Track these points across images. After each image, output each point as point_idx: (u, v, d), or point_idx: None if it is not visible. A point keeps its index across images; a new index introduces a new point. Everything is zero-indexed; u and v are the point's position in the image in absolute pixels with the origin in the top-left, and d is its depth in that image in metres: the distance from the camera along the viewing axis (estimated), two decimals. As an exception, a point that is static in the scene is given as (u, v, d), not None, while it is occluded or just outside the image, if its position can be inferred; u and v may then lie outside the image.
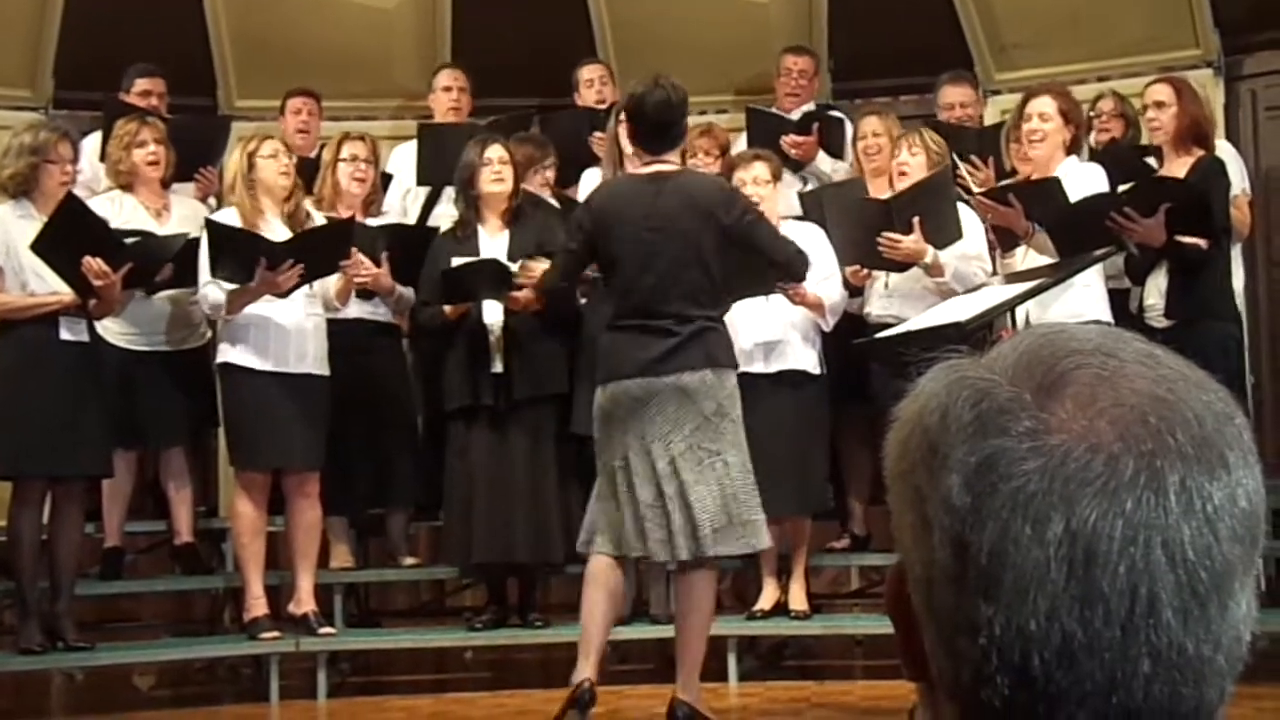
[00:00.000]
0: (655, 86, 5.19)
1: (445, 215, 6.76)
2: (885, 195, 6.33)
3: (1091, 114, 6.80)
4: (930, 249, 6.05)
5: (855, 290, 6.42)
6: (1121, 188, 5.97)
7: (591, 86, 7.46)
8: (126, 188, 6.49)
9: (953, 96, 7.26)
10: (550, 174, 6.74)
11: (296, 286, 6.03)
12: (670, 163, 5.26)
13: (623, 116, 5.36)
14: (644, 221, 5.12)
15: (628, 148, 5.55)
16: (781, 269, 5.51)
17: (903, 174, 6.28)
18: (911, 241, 6.02)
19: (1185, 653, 0.81)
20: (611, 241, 5.20)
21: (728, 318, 6.25)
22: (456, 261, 6.22)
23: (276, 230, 6.13)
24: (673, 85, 5.23)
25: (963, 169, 6.35)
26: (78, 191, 6.20)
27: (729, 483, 5.07)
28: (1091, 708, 0.81)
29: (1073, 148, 6.08)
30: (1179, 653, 0.81)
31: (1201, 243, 5.86)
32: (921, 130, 6.46)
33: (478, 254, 6.27)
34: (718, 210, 5.18)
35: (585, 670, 5.19)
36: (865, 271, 6.34)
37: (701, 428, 5.06)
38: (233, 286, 6.02)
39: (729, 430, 5.10)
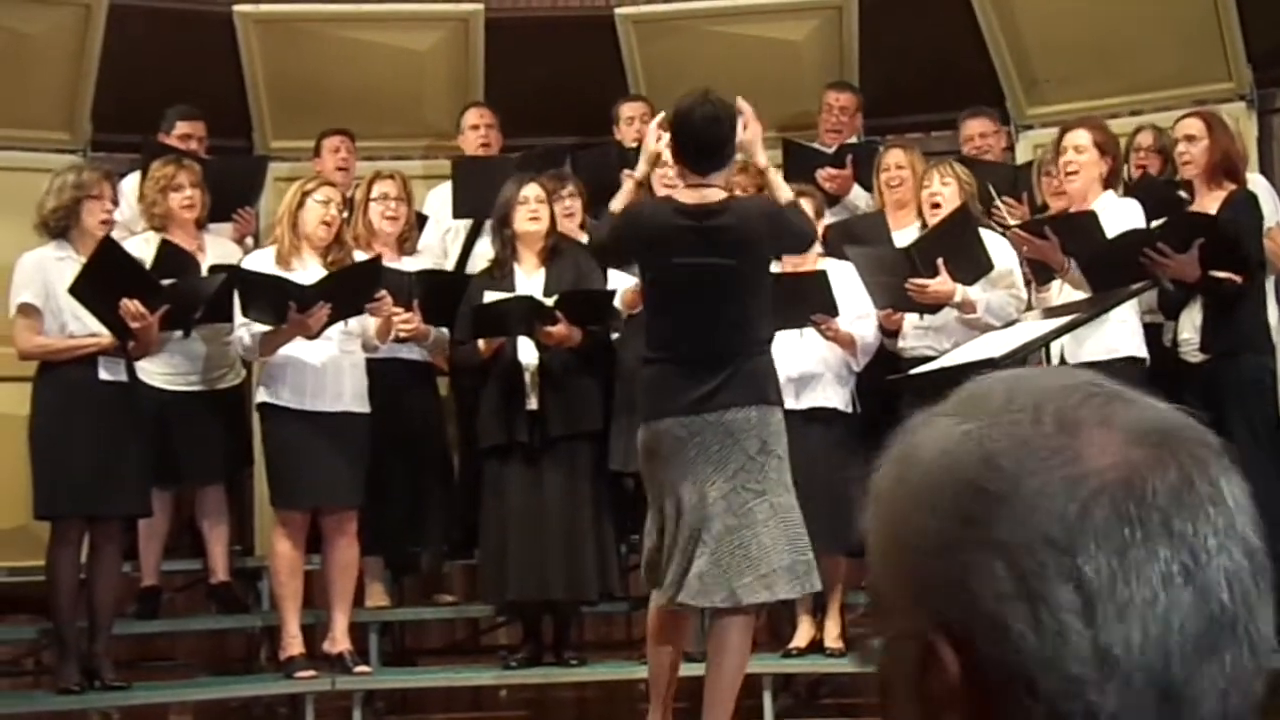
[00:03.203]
0: (704, 101, 5.00)
1: (484, 255, 6.75)
2: (907, 240, 6.33)
3: (1131, 149, 6.80)
4: (959, 288, 6.04)
5: (890, 333, 6.40)
6: (1154, 223, 5.95)
7: (632, 124, 7.45)
8: (161, 229, 6.54)
9: (973, 129, 7.34)
10: (571, 204, 6.71)
11: (326, 326, 6.06)
12: (716, 187, 5.08)
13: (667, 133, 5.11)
14: (689, 254, 4.95)
15: (667, 172, 5.49)
16: (793, 239, 5.36)
17: (935, 205, 6.27)
18: (938, 284, 6.02)
19: (1263, 636, 0.87)
20: (655, 271, 5.08)
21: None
22: (490, 297, 6.24)
23: (311, 271, 6.16)
24: (721, 101, 5.02)
25: (1001, 209, 6.33)
26: (116, 232, 6.26)
27: (774, 525, 4.92)
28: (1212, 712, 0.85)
29: (1110, 181, 6.07)
30: (1261, 638, 0.87)
31: (1236, 277, 5.84)
32: (951, 161, 6.48)
33: (513, 292, 6.28)
34: (765, 240, 5.09)
35: (655, 718, 5.20)
36: (898, 315, 6.33)
37: (746, 468, 4.91)
38: (264, 328, 6.07)
39: (774, 469, 4.95)
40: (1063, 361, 5.92)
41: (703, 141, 5.00)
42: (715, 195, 5.05)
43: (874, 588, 0.92)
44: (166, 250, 6.27)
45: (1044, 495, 0.84)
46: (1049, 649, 0.83)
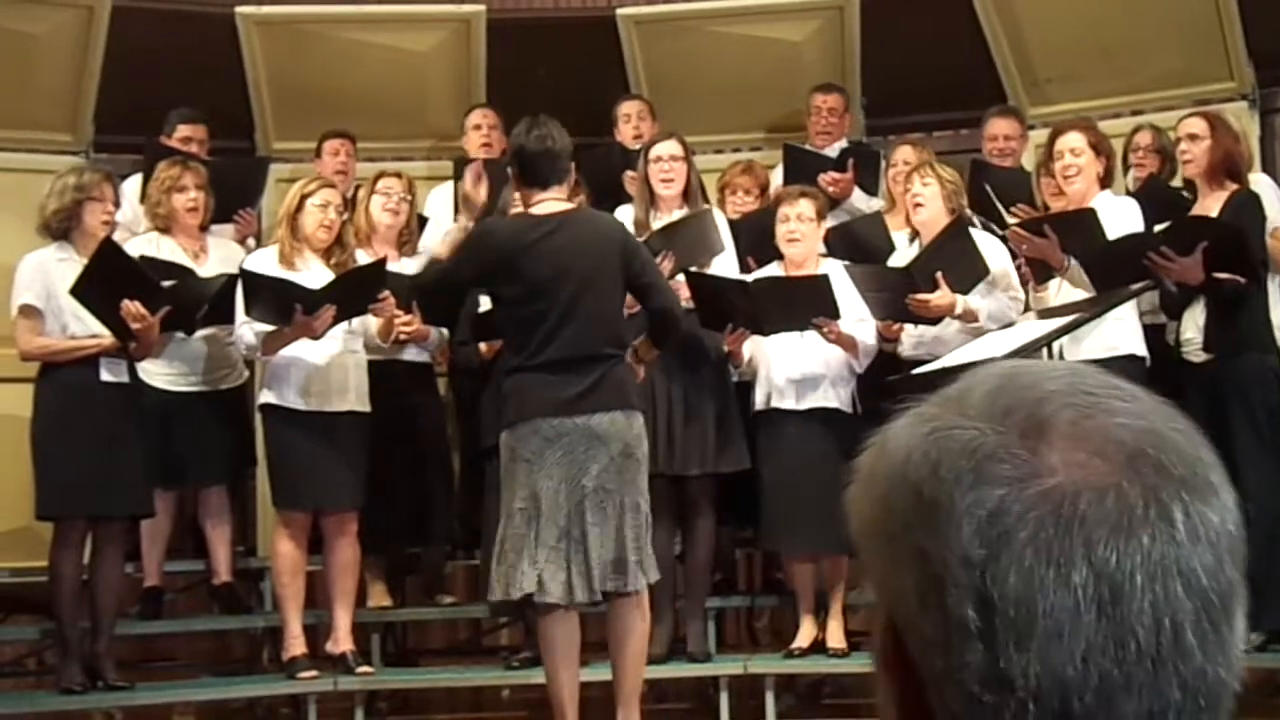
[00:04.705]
0: (531, 125, 5.29)
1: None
2: (908, 238, 6.35)
3: (1129, 149, 6.79)
4: (960, 299, 6.04)
5: (889, 340, 6.38)
6: (1158, 227, 5.94)
7: (629, 122, 7.45)
8: (164, 230, 6.54)
9: (998, 129, 7.25)
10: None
11: (330, 328, 6.06)
12: (561, 199, 5.30)
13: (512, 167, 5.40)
14: (547, 262, 5.13)
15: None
16: (659, 319, 5.48)
17: (917, 205, 6.26)
18: (938, 298, 6.01)
19: (1207, 678, 0.83)
20: (513, 283, 5.20)
21: (760, 351, 6.29)
22: (487, 303, 6.24)
23: (315, 271, 6.16)
24: (548, 120, 5.32)
25: (1008, 220, 6.32)
26: (118, 234, 6.26)
27: (619, 523, 5.13)
28: None
29: (1105, 179, 6.08)
30: (1203, 679, 0.83)
31: (1239, 278, 5.84)
32: (933, 163, 6.46)
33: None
34: (619, 252, 5.27)
35: None
36: (897, 326, 6.32)
37: (606, 469, 5.10)
38: (266, 327, 6.07)
39: (630, 470, 5.16)
40: (1061, 359, 5.92)
41: (539, 162, 5.24)
42: (560, 206, 5.28)
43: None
44: (149, 265, 6.22)
45: (971, 511, 0.83)
46: (952, 662, 0.83)
